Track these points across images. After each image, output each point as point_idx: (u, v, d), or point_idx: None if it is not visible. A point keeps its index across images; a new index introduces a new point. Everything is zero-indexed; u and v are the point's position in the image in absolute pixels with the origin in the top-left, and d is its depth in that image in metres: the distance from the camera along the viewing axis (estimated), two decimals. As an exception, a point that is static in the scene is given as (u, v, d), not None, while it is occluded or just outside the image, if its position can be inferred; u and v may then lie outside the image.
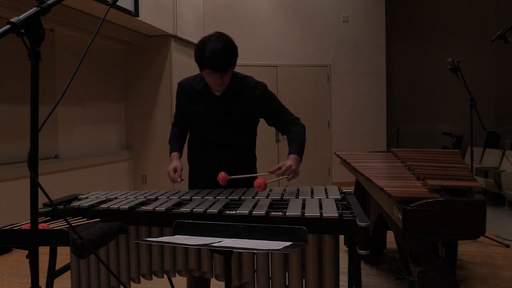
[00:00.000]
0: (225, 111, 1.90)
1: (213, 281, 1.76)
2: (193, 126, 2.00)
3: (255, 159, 2.10)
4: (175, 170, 1.90)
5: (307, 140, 1.98)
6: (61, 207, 1.74)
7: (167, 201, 1.73)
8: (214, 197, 1.75)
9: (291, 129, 1.97)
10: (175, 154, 2.01)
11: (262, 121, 2.15)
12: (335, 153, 3.33)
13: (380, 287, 2.81)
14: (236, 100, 1.91)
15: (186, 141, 2.13)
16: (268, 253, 1.49)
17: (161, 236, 1.63)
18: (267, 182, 1.70)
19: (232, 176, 1.80)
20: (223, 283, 1.64)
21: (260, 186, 1.67)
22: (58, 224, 1.54)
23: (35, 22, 0.89)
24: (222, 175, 1.79)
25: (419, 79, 8.25)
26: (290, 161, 1.80)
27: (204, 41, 1.76)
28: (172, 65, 5.67)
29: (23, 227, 1.45)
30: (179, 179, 1.88)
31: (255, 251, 1.45)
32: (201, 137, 1.98)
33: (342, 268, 1.69)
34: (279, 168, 1.77)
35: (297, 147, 1.88)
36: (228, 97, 1.90)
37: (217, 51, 1.70)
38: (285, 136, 1.90)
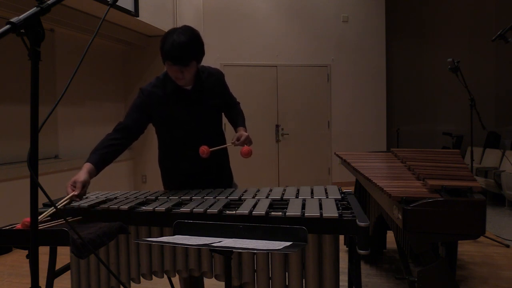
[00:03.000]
0: (199, 104, 1.92)
1: (212, 281, 1.76)
2: (170, 128, 1.92)
3: (226, 152, 2.15)
4: (73, 184, 1.62)
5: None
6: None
7: (167, 201, 1.73)
8: (214, 197, 1.75)
9: (234, 107, 2.15)
10: (87, 164, 1.70)
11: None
12: (335, 153, 3.33)
13: (380, 287, 2.81)
14: (207, 91, 1.93)
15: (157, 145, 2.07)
16: (268, 253, 1.49)
17: (161, 236, 1.63)
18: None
19: (212, 149, 1.89)
20: (221, 283, 1.64)
21: (204, 153, 1.85)
22: (58, 224, 1.54)
23: (35, 22, 0.89)
24: (204, 148, 1.86)
25: (419, 79, 8.25)
26: (243, 131, 1.98)
27: (169, 33, 1.75)
28: (172, 65, 5.66)
29: (17, 226, 1.44)
30: (72, 192, 1.60)
31: (255, 251, 1.45)
32: (182, 136, 1.93)
33: (342, 268, 1.69)
34: (238, 139, 1.91)
35: (243, 121, 2.11)
36: (199, 90, 1.91)
37: (178, 43, 1.68)
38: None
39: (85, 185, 1.63)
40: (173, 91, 1.87)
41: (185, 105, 1.89)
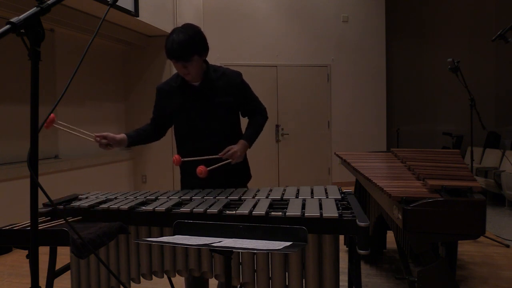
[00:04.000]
0: (206, 100, 1.93)
1: (212, 281, 1.76)
2: (177, 122, 2.01)
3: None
4: (104, 136, 1.89)
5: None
6: (61, 207, 1.74)
7: (167, 201, 1.73)
8: (214, 197, 1.75)
9: (255, 116, 2.11)
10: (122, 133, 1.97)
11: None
12: (335, 153, 3.33)
13: (380, 287, 2.81)
14: (216, 89, 1.94)
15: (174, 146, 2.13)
16: (268, 253, 1.49)
17: (161, 236, 1.63)
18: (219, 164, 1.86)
19: (210, 167, 1.83)
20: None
21: (201, 173, 1.80)
22: (58, 224, 1.54)
23: (35, 22, 0.89)
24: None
25: (419, 79, 8.25)
26: (237, 146, 1.92)
27: (171, 32, 1.83)
28: (172, 65, 5.67)
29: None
30: (99, 139, 1.90)
31: (255, 251, 1.45)
32: (187, 132, 1.97)
33: (342, 268, 1.70)
34: (228, 151, 1.88)
35: (251, 135, 2.02)
36: (207, 86, 1.94)
37: (178, 41, 1.77)
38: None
39: (112, 143, 1.88)
40: (180, 85, 1.95)
41: (191, 100, 1.94)
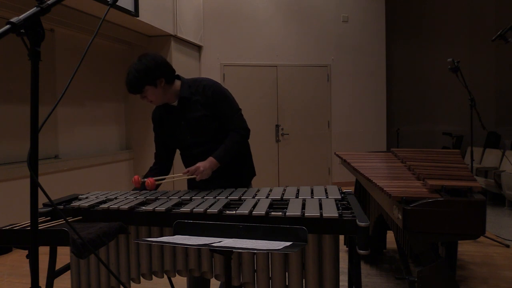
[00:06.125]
0: (184, 117, 1.99)
1: (213, 281, 1.76)
2: (168, 141, 2.10)
3: (247, 149, 2.14)
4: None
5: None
6: (61, 207, 1.74)
7: (167, 201, 1.73)
8: (214, 197, 1.75)
9: (230, 135, 2.01)
10: None
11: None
12: (335, 153, 3.33)
13: (380, 287, 2.81)
14: (192, 105, 1.99)
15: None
16: (268, 253, 1.49)
17: (161, 236, 1.63)
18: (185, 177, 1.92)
19: (144, 179, 1.92)
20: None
21: (148, 185, 1.87)
22: (58, 224, 1.54)
23: (35, 22, 0.89)
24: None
25: (419, 79, 8.25)
26: (203, 162, 1.91)
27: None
28: (172, 65, 5.65)
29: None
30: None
31: (255, 251, 1.45)
32: (177, 145, 2.10)
33: (342, 268, 1.70)
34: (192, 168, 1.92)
35: (222, 152, 1.95)
36: (183, 104, 1.99)
37: (127, 78, 1.86)
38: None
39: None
40: (164, 106, 2.04)
41: (176, 114, 2.02)
